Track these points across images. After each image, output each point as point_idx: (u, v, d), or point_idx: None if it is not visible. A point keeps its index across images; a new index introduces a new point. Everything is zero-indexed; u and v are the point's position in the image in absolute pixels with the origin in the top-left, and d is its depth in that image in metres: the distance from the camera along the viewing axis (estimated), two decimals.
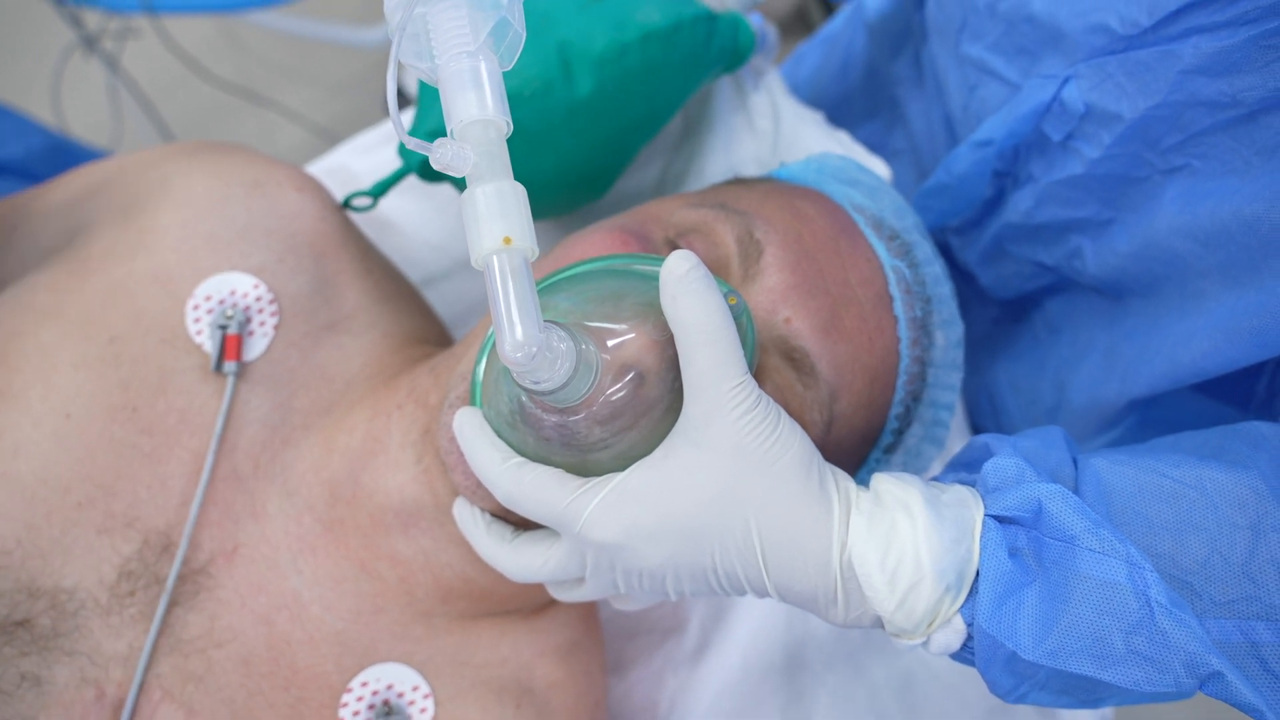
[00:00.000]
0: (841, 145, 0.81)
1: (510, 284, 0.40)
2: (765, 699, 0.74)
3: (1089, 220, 0.61)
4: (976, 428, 0.83)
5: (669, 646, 0.76)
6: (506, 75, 0.62)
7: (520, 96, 0.63)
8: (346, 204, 0.73)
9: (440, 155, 0.40)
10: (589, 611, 0.69)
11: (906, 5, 0.85)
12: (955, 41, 0.67)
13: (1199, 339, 0.53)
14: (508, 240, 0.40)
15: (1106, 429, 0.64)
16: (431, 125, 0.69)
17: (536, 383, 0.43)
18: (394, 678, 0.60)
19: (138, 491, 0.59)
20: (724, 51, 0.70)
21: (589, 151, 0.69)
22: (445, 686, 0.61)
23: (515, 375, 0.43)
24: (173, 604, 0.58)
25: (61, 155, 1.08)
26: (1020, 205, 0.65)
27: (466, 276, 0.86)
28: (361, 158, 0.88)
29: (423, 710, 0.60)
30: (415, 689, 0.60)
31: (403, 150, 0.72)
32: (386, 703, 0.59)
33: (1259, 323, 0.49)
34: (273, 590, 0.60)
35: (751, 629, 0.75)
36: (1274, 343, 0.48)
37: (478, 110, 0.41)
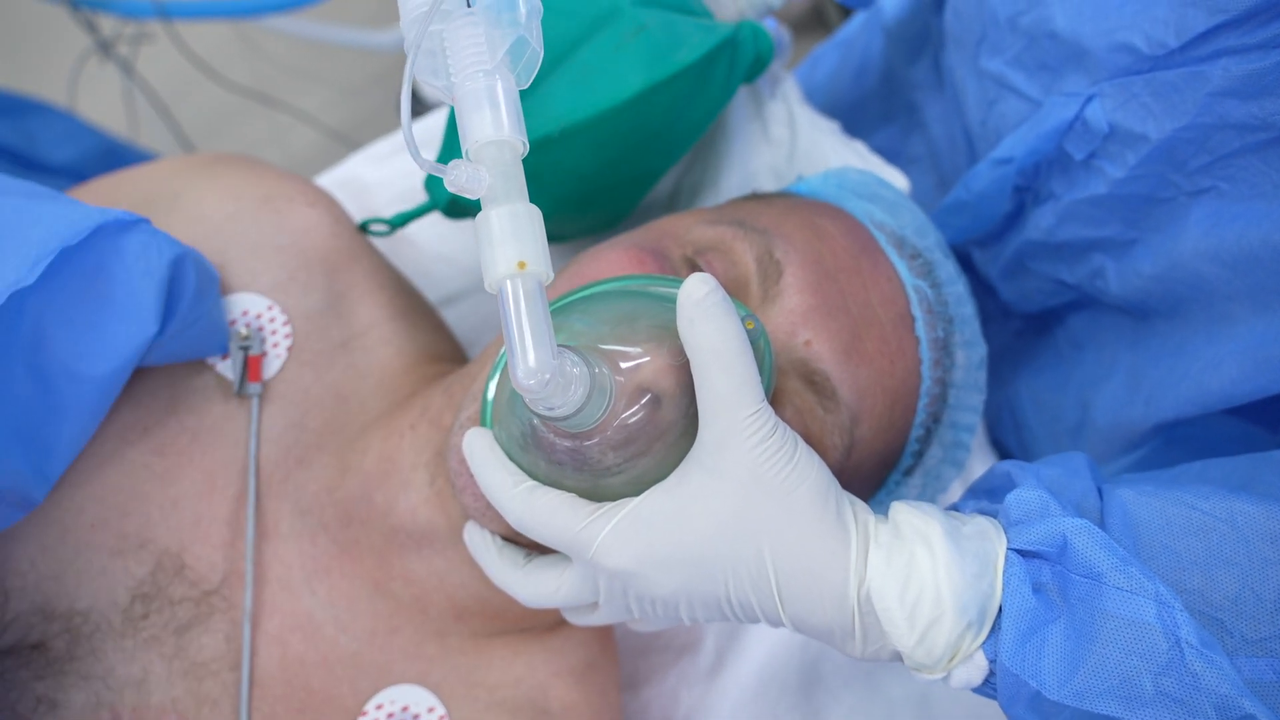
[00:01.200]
0: (858, 155, 0.80)
1: (524, 309, 0.39)
2: (781, 716, 0.73)
3: (1112, 240, 0.60)
4: (998, 443, 0.82)
5: (684, 664, 0.76)
6: (542, 120, 0.61)
7: (549, 139, 0.63)
8: (364, 228, 0.72)
9: (455, 177, 0.40)
10: (604, 630, 0.68)
11: (925, 9, 0.84)
12: (974, 54, 0.66)
13: (1228, 365, 0.52)
14: (522, 265, 0.40)
15: (1130, 450, 0.63)
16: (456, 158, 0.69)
17: (550, 409, 0.42)
18: (409, 699, 0.60)
19: (150, 512, 0.58)
20: (745, 65, 0.69)
21: (612, 179, 0.68)
22: (460, 708, 0.60)
23: (528, 402, 0.42)
24: (187, 626, 0.58)
25: (114, 158, 1.09)
26: (1041, 223, 0.64)
27: (485, 295, 0.85)
28: (374, 167, 0.87)
29: None
30: (431, 710, 0.60)
31: (429, 185, 0.71)
32: None
33: None
34: (286, 611, 0.59)
35: (767, 647, 0.74)
36: None
37: (493, 130, 0.41)
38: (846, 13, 1.57)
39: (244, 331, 0.62)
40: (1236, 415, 0.59)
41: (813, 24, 1.71)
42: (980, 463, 0.79)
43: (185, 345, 0.58)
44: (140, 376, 0.60)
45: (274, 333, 0.63)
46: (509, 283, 0.40)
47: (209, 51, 1.56)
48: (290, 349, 0.63)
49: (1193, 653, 0.41)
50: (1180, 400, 0.56)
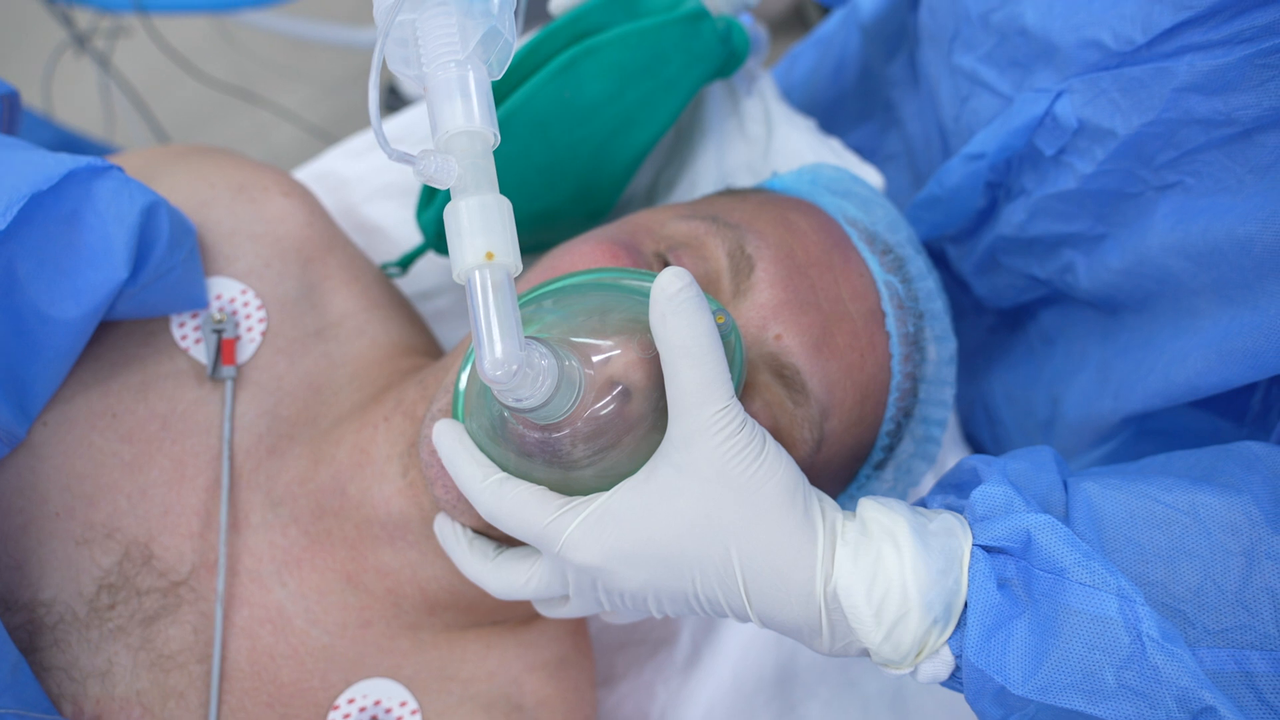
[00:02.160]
0: (833, 152, 0.80)
1: (491, 300, 0.39)
2: (757, 711, 0.73)
3: (1081, 235, 0.61)
4: (971, 438, 0.82)
5: (660, 658, 0.75)
6: (515, 157, 0.61)
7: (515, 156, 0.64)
8: (384, 269, 0.75)
9: (424, 167, 0.40)
10: (578, 624, 0.68)
11: (901, 7, 0.84)
12: (947, 51, 0.66)
13: (1194, 358, 0.52)
14: (490, 255, 0.40)
15: (1100, 443, 0.64)
16: (437, 212, 0.70)
17: (518, 400, 0.42)
18: (381, 693, 0.59)
19: (118, 501, 0.58)
20: (713, 52, 0.69)
21: (590, 177, 0.68)
22: (433, 702, 0.60)
23: (496, 393, 0.42)
24: (154, 617, 0.57)
25: (71, 151, 1.07)
26: (1013, 218, 0.64)
27: (457, 285, 0.85)
28: (351, 162, 0.87)
29: None
30: (403, 705, 0.59)
31: (421, 219, 0.72)
32: (374, 719, 0.59)
33: (1253, 344, 0.48)
34: (256, 603, 0.59)
35: (743, 641, 0.74)
36: (1269, 364, 0.48)
37: (464, 121, 0.41)
38: (826, 12, 1.57)
39: (218, 315, 0.61)
40: (1204, 409, 0.59)
41: (793, 23, 1.71)
42: (954, 457, 0.80)
43: (159, 297, 0.58)
44: (111, 362, 0.59)
45: (248, 317, 0.62)
46: (477, 273, 0.40)
47: (188, 47, 1.55)
48: (265, 334, 0.63)
49: (1154, 646, 0.41)
50: (1148, 393, 0.56)
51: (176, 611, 0.58)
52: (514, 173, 0.66)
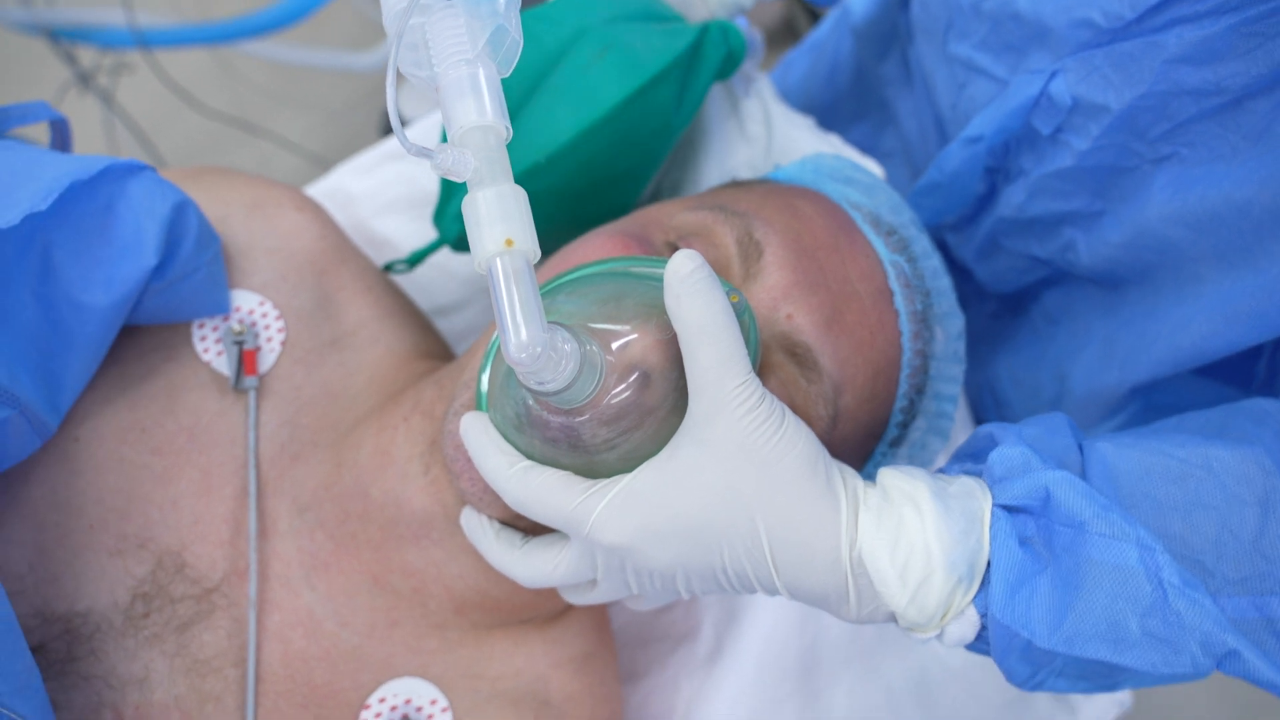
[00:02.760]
0: (833, 148, 0.81)
1: (513, 285, 0.40)
2: (782, 702, 0.74)
3: (1080, 212, 0.62)
4: (980, 422, 0.83)
5: (682, 653, 0.76)
6: (526, 151, 0.63)
7: (538, 166, 0.64)
8: (388, 269, 0.75)
9: (441, 161, 0.41)
10: (601, 621, 0.69)
11: (892, 7, 0.86)
12: (942, 41, 0.68)
13: (1197, 323, 0.53)
14: (509, 242, 0.41)
15: (1109, 416, 0.65)
16: (456, 210, 0.70)
17: (541, 383, 0.43)
18: (412, 692, 0.60)
19: (149, 512, 0.59)
20: (717, 62, 0.71)
21: (601, 193, 0.70)
22: (462, 699, 0.61)
23: (520, 376, 0.43)
24: (188, 624, 0.58)
25: None
26: (1013, 199, 0.65)
27: (478, 306, 0.86)
28: (360, 179, 0.88)
29: None
30: (434, 703, 0.60)
31: (438, 221, 0.73)
32: (406, 717, 0.59)
33: (1257, 305, 0.49)
34: (287, 608, 0.60)
35: (765, 632, 0.75)
36: (1273, 324, 0.49)
37: (477, 116, 0.42)
38: (815, 21, 1.60)
39: (238, 327, 0.63)
40: (1210, 377, 0.60)
41: (784, 35, 1.74)
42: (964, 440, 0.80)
43: (185, 298, 0.60)
44: (137, 377, 0.61)
45: (267, 328, 0.64)
46: (498, 260, 0.41)
47: (189, 80, 1.57)
48: (284, 344, 0.64)
49: (1175, 593, 0.42)
50: (1153, 361, 0.57)
51: (210, 617, 0.59)
52: (555, 204, 0.67)
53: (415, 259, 0.74)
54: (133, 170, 0.57)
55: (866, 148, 0.92)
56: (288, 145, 1.67)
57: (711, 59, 0.70)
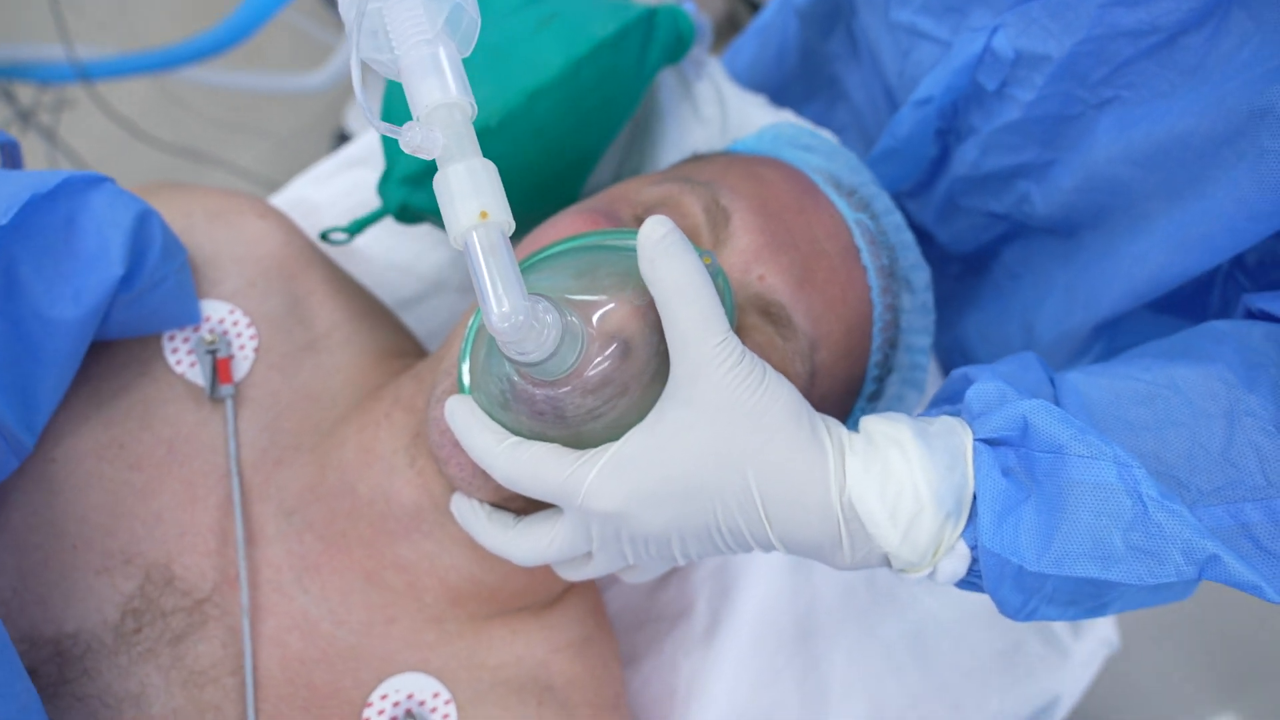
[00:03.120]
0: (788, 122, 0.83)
1: (491, 257, 0.41)
2: (781, 669, 0.74)
3: (1031, 164, 0.64)
4: None
5: (679, 631, 0.77)
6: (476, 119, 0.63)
7: (489, 129, 0.65)
8: (324, 237, 0.74)
9: (410, 139, 0.41)
10: (597, 605, 0.69)
11: None
12: (884, 10, 0.70)
13: (1152, 256, 0.55)
14: (484, 215, 0.41)
15: (1077, 358, 0.66)
16: (403, 171, 0.71)
17: (524, 354, 0.43)
18: (413, 687, 0.60)
19: (133, 528, 0.58)
20: (667, 43, 0.72)
21: (556, 164, 0.71)
22: (464, 690, 0.61)
23: (502, 347, 0.43)
24: (182, 636, 0.57)
25: None
26: (966, 157, 0.67)
27: (439, 299, 0.86)
28: (320, 187, 0.88)
29: (445, 716, 0.59)
30: (436, 695, 0.60)
31: (381, 190, 0.73)
32: (409, 712, 0.59)
33: (1206, 229, 0.51)
34: (280, 612, 0.59)
35: (758, 602, 0.76)
36: (1222, 247, 0.51)
37: (440, 94, 0.42)
38: (757, 13, 1.62)
39: (209, 336, 0.62)
40: (1167, 312, 0.62)
41: (727, 29, 1.76)
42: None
43: (155, 309, 0.60)
44: (111, 393, 0.60)
45: (239, 335, 0.63)
46: (474, 233, 0.41)
47: (135, 112, 1.56)
48: (257, 350, 0.64)
49: (1155, 505, 0.43)
50: (1114, 297, 0.59)
51: (203, 628, 0.58)
52: (507, 178, 0.68)
53: (355, 228, 0.73)
54: (93, 182, 0.57)
55: (819, 124, 0.93)
56: (240, 173, 1.65)
57: (660, 40, 0.71)
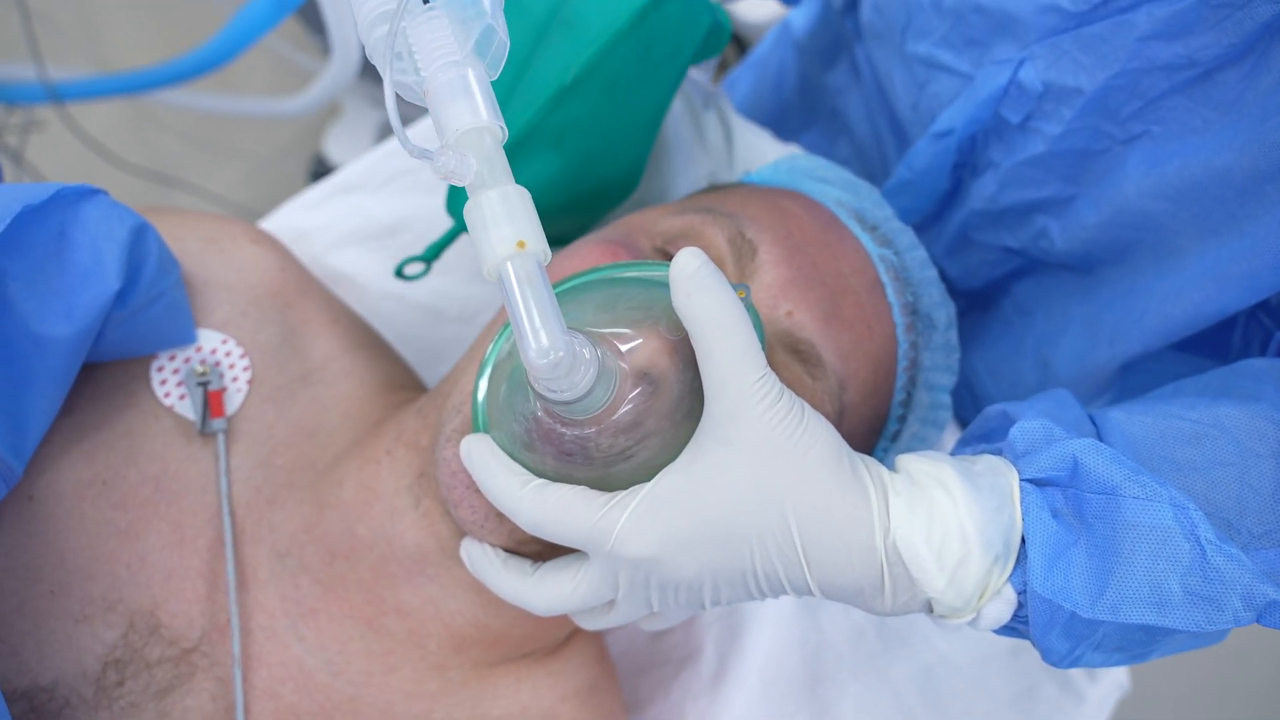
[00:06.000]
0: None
1: (529, 289, 0.39)
2: (791, 716, 0.72)
3: (1053, 199, 0.63)
4: (960, 419, 0.83)
5: (685, 677, 0.74)
6: (517, 133, 0.60)
7: (563, 88, 0.61)
8: (399, 273, 0.71)
9: (443, 164, 0.39)
10: (601, 650, 0.66)
11: (833, 17, 0.87)
12: (899, 42, 0.69)
13: (1188, 292, 0.54)
14: (521, 244, 0.39)
15: (1098, 394, 0.65)
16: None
17: (555, 392, 0.41)
18: None
19: (116, 571, 0.54)
20: (705, 27, 0.69)
21: (628, 123, 0.67)
22: None
23: (538, 385, 0.41)
24: (168, 689, 0.53)
25: None
26: (983, 192, 0.67)
27: (435, 330, 0.84)
28: (310, 214, 0.85)
29: None
30: None
31: (451, 208, 0.69)
32: None
33: (1248, 267, 0.50)
34: (274, 661, 0.56)
35: (766, 648, 0.73)
36: (1265, 285, 0.50)
37: (471, 118, 0.40)
38: (743, 52, 1.63)
39: (200, 367, 0.59)
40: (1189, 352, 0.62)
41: (715, 70, 1.77)
42: (946, 440, 0.81)
43: (150, 327, 0.57)
44: (94, 427, 0.56)
45: (232, 366, 0.60)
46: (510, 264, 0.39)
47: (106, 134, 1.51)
48: (251, 382, 0.60)
49: (1213, 549, 0.42)
50: (1145, 334, 0.58)
51: (191, 680, 0.54)
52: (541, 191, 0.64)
53: (432, 253, 0.70)
54: (85, 194, 0.53)
55: (820, 155, 0.93)
56: (214, 199, 1.61)
57: (698, 24, 0.67)
